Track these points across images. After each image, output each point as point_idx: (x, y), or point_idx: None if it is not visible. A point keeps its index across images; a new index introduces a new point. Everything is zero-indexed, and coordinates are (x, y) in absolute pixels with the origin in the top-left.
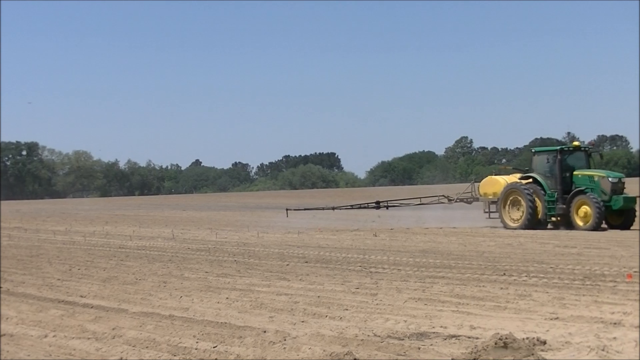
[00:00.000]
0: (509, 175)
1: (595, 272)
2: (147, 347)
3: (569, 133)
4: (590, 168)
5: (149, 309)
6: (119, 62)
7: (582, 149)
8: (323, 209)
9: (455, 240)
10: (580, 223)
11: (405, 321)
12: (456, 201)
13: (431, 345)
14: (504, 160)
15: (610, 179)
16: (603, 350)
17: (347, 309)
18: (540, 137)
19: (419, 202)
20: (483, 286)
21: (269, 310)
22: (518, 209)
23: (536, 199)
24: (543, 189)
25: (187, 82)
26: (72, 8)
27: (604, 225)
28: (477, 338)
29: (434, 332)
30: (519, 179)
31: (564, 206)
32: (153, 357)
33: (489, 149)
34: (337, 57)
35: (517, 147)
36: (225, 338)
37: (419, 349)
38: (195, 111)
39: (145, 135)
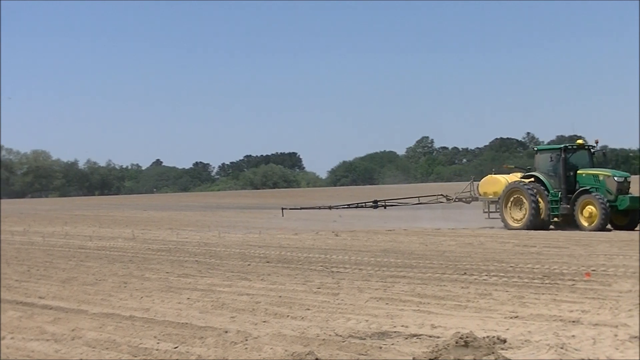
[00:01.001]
0: (509, 174)
1: (554, 271)
2: (107, 349)
3: (528, 133)
4: (593, 167)
5: (109, 309)
6: (77, 60)
7: (586, 147)
8: (320, 208)
9: (416, 240)
10: (585, 223)
11: (367, 321)
12: (455, 200)
13: (392, 344)
14: (464, 160)
15: (616, 178)
16: (562, 348)
17: (308, 309)
18: (501, 137)
19: (418, 202)
20: (444, 285)
21: (231, 310)
22: (520, 209)
23: (539, 198)
24: (546, 189)
25: (146, 81)
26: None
27: (608, 226)
28: (438, 337)
29: (395, 332)
30: (521, 178)
31: (568, 206)
32: (113, 358)
33: (449, 148)
34: (298, 57)
35: (477, 147)
36: (187, 338)
37: (381, 348)
38: (156, 110)
39: (105, 135)
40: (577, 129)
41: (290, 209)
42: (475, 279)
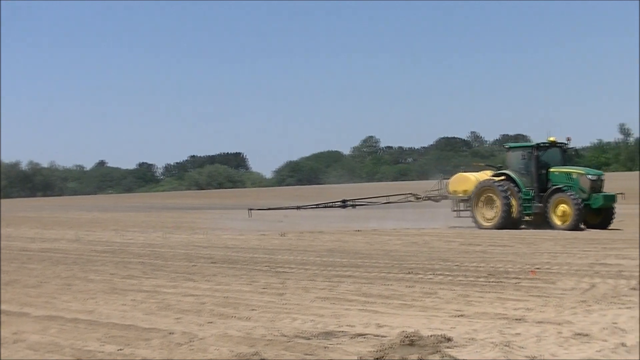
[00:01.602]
0: (479, 172)
1: (499, 269)
2: (50, 352)
3: (473, 132)
4: (565, 165)
5: (52, 312)
6: (17, 59)
7: (558, 144)
8: (287, 208)
9: (361, 239)
10: (558, 222)
11: (313, 320)
12: (424, 199)
13: (338, 344)
14: (409, 160)
15: (589, 176)
16: (507, 346)
17: (254, 309)
18: (446, 137)
19: (387, 201)
20: (389, 284)
21: (176, 311)
22: (492, 208)
23: (511, 197)
24: (518, 187)
25: (89, 81)
26: None
27: (581, 225)
28: (383, 336)
29: (341, 331)
30: (492, 176)
31: (541, 205)
32: None
33: (395, 148)
34: (242, 57)
35: (422, 147)
36: (131, 340)
37: (326, 348)
38: (99, 110)
39: (48, 136)
40: (522, 128)
41: (258, 209)
42: (421, 278)
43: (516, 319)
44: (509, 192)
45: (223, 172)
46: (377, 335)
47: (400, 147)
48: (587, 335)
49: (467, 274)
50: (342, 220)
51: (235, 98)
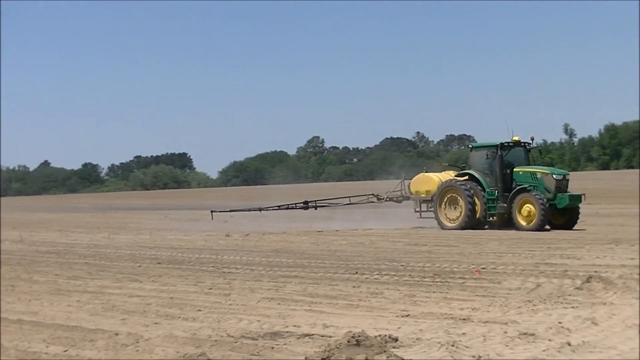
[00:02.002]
0: (441, 172)
1: (444, 269)
2: None
3: (418, 133)
4: (529, 164)
5: None
6: None
7: (522, 144)
8: (249, 210)
9: (307, 240)
10: (523, 223)
11: (259, 321)
12: (386, 200)
13: (285, 344)
14: (355, 160)
15: (554, 176)
16: (453, 345)
17: (200, 310)
18: (391, 137)
19: (349, 202)
20: (335, 285)
21: (121, 312)
22: (455, 209)
23: (475, 197)
24: (482, 187)
25: (33, 80)
26: None
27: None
28: (330, 336)
29: (287, 332)
30: (455, 176)
31: (505, 205)
32: None
33: (340, 148)
34: (187, 57)
35: (367, 147)
36: (76, 341)
37: (273, 348)
38: (43, 110)
39: None
40: (466, 129)
41: (220, 211)
42: (367, 278)
43: (462, 319)
44: (472, 192)
45: (168, 172)
46: (324, 336)
47: (345, 147)
48: (532, 334)
49: (413, 274)
50: (287, 221)
51: (180, 98)
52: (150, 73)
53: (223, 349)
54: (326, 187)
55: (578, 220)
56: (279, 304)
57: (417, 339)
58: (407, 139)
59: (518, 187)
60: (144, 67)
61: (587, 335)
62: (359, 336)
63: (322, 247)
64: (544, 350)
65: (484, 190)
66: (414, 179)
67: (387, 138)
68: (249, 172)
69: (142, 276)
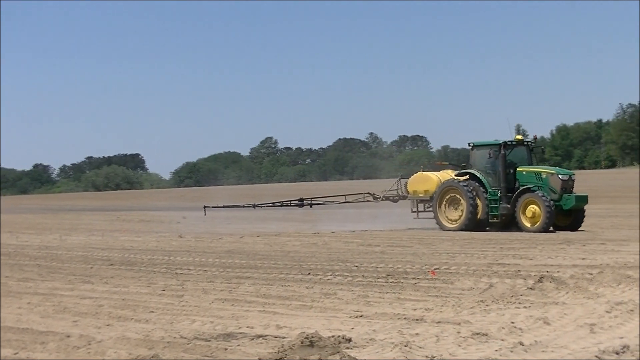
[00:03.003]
0: (439, 171)
1: (398, 270)
2: None
3: (371, 133)
4: (532, 164)
5: None
6: None
7: (525, 143)
8: (243, 206)
9: (260, 241)
10: (527, 224)
11: (212, 322)
12: (382, 199)
13: (238, 345)
14: (308, 161)
15: (560, 176)
16: (406, 346)
17: (153, 311)
18: (344, 137)
19: (344, 200)
20: (289, 285)
21: (73, 314)
22: (456, 209)
23: (477, 198)
24: (484, 187)
25: None
26: None
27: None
28: (283, 337)
29: (240, 333)
30: (456, 175)
31: (509, 206)
32: None
33: (293, 149)
34: (138, 57)
35: (321, 147)
36: (27, 344)
37: (226, 349)
38: None
39: None
40: (420, 129)
41: (213, 207)
42: (320, 278)
43: (415, 319)
44: (474, 193)
45: (121, 173)
46: (277, 337)
47: (299, 148)
48: (485, 334)
49: (366, 274)
50: (246, 222)
51: (133, 98)
52: (102, 73)
53: (176, 351)
54: (278, 187)
55: (583, 222)
56: (232, 305)
57: (370, 340)
58: (361, 140)
59: (522, 188)
60: (95, 67)
61: (540, 334)
62: (312, 337)
63: (275, 248)
64: (496, 350)
65: (485, 190)
66: (411, 178)
67: (340, 139)
68: (202, 173)
69: (94, 278)
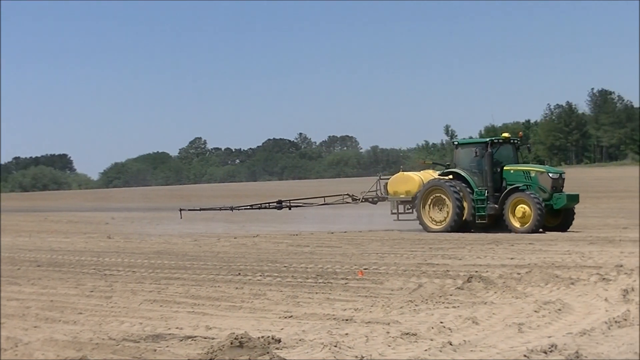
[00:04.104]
0: (420, 172)
1: (327, 270)
2: None
3: (300, 134)
4: (518, 162)
5: None
6: None
7: (512, 141)
8: (220, 209)
9: (190, 241)
10: (516, 224)
11: (141, 323)
12: (362, 201)
13: (167, 346)
14: (237, 161)
15: (550, 175)
16: (335, 346)
17: (81, 313)
18: (273, 138)
19: (323, 202)
20: (218, 286)
21: None
22: (441, 210)
23: (463, 198)
24: (469, 187)
25: None
26: None
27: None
28: (213, 338)
29: (169, 334)
30: (439, 175)
31: (496, 206)
32: None
33: (222, 149)
34: (64, 57)
35: (250, 148)
36: None
37: (155, 351)
38: None
39: None
40: (349, 130)
41: (189, 210)
42: (250, 279)
43: (345, 320)
44: (461, 193)
45: (48, 173)
46: (206, 337)
47: (228, 149)
48: (414, 334)
49: (295, 275)
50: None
51: (60, 98)
52: (29, 73)
53: (104, 352)
54: (208, 188)
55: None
56: (161, 306)
57: (300, 340)
58: (290, 140)
59: (511, 187)
60: (21, 67)
61: (468, 334)
62: (241, 338)
63: (204, 248)
64: (425, 350)
65: (471, 190)
66: (391, 178)
67: (269, 139)
68: (131, 174)
69: (21, 279)
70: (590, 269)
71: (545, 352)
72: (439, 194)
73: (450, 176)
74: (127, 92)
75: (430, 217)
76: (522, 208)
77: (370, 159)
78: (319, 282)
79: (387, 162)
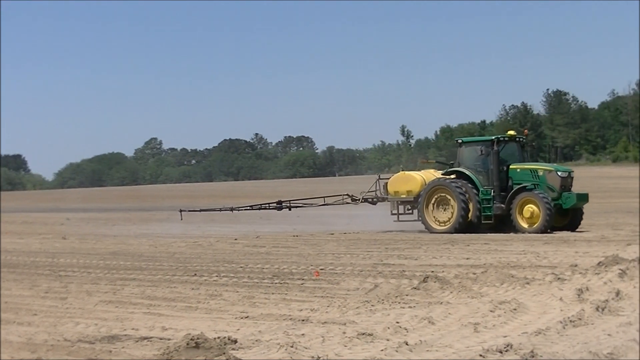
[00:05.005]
0: (421, 171)
1: (283, 271)
2: None
3: (256, 134)
4: (524, 161)
5: None
6: None
7: (517, 139)
8: (221, 210)
9: (146, 242)
10: (524, 225)
11: (96, 324)
12: (361, 201)
13: (123, 348)
14: (193, 162)
15: (559, 173)
16: (292, 346)
17: (36, 314)
18: (229, 138)
19: (323, 202)
20: (174, 287)
21: None
22: (445, 210)
23: (469, 197)
24: (474, 186)
25: None
26: None
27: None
28: (169, 339)
29: (125, 335)
30: (443, 174)
31: (503, 206)
32: None
33: (178, 150)
34: (17, 57)
35: (206, 148)
36: None
37: (110, 352)
38: None
39: None
40: (304, 130)
41: (189, 210)
42: (206, 280)
43: (301, 320)
44: (466, 192)
45: (2, 174)
46: (162, 338)
47: (184, 149)
48: (370, 334)
49: (252, 275)
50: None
51: (13, 97)
52: None
53: (59, 354)
54: (162, 188)
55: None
56: (116, 307)
57: (256, 341)
58: (246, 141)
59: (519, 186)
60: None
61: (424, 334)
62: (198, 338)
63: (160, 249)
64: (382, 350)
65: (477, 189)
66: (392, 178)
67: (225, 139)
68: (86, 174)
69: None
70: (545, 269)
71: (501, 352)
72: (443, 194)
73: (454, 175)
74: (83, 92)
75: (434, 218)
76: (530, 208)
77: (326, 160)
78: (275, 283)
79: (343, 162)
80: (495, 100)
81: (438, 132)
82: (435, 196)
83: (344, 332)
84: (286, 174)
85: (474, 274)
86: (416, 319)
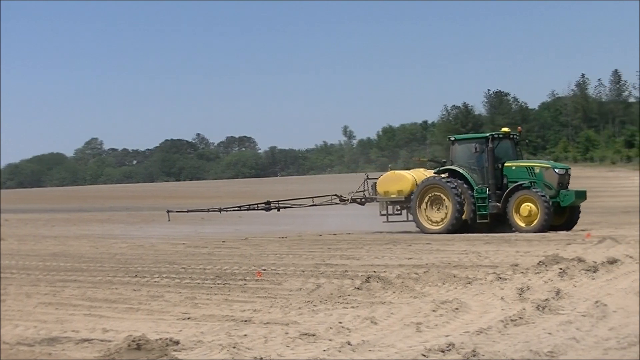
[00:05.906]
0: (411, 170)
1: (226, 271)
2: None
3: (198, 134)
4: (518, 158)
5: None
6: None
7: (511, 136)
8: (208, 210)
9: (86, 243)
10: (522, 224)
11: (36, 327)
12: (350, 202)
13: (63, 350)
14: (134, 162)
15: (557, 170)
16: (234, 347)
17: None
18: (171, 139)
19: (312, 203)
20: (115, 288)
21: None
22: (439, 209)
23: (463, 196)
24: (469, 185)
25: None
26: None
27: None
28: (110, 341)
29: (65, 337)
30: (435, 172)
31: (499, 204)
32: None
33: (119, 150)
34: None
35: (147, 149)
36: None
37: (50, 354)
38: None
39: None
40: (247, 131)
41: (177, 211)
42: (147, 281)
43: (243, 321)
44: (460, 191)
45: None
46: (103, 340)
47: (125, 149)
48: (313, 335)
49: (193, 276)
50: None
51: None
52: None
53: None
54: (104, 189)
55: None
56: (56, 308)
57: (198, 342)
58: (188, 141)
59: (515, 184)
60: None
61: (367, 334)
62: (139, 340)
63: (101, 250)
64: (324, 350)
65: (471, 188)
66: (381, 177)
67: (167, 140)
68: (25, 175)
69: None
70: (487, 269)
71: (443, 351)
72: (437, 193)
73: (446, 174)
74: (21, 90)
75: (427, 217)
76: (527, 206)
77: (268, 160)
78: (218, 284)
79: (285, 162)
80: (437, 101)
81: (380, 132)
82: (429, 195)
83: (287, 333)
84: (228, 175)
85: (416, 273)
86: (359, 319)
